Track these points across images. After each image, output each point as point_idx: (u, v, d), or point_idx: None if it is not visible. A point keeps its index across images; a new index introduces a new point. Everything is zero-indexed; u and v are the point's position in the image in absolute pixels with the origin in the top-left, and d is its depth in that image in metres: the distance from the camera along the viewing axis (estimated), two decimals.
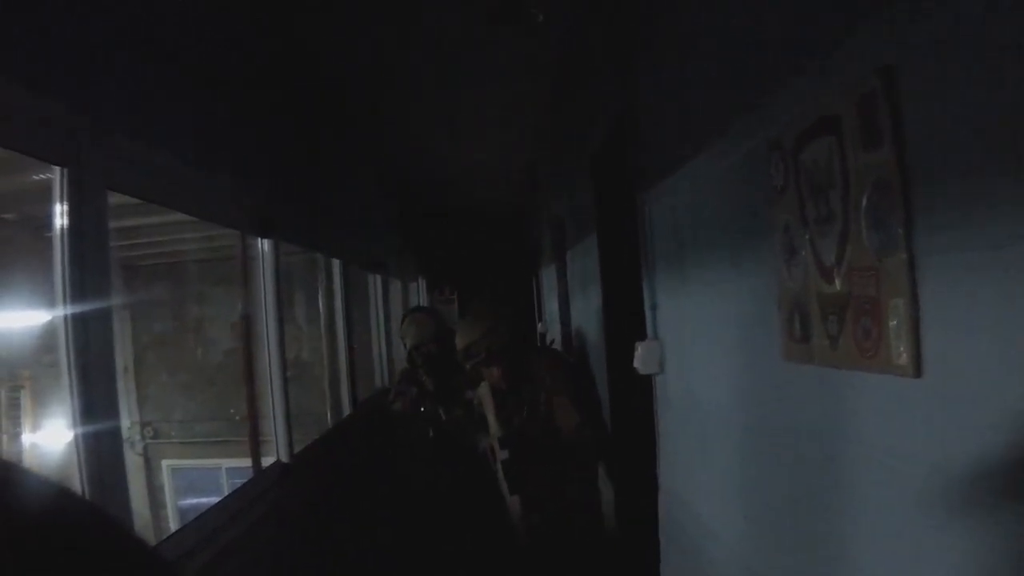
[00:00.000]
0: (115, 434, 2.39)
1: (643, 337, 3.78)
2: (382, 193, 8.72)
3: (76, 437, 2.17)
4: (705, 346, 2.95)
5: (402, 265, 10.16)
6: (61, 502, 0.55)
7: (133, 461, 10.58)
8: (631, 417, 4.28)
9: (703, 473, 3.16)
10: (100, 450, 2.24)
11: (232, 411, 8.84)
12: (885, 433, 1.62)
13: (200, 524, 3.11)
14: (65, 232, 2.21)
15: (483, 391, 5.01)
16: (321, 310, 6.45)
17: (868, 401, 1.66)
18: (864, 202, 1.56)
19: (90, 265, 2.27)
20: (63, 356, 2.20)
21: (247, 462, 4.31)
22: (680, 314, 3.34)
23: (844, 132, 1.64)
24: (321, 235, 5.37)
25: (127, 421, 10.48)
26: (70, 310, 2.19)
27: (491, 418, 4.89)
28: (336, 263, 6.05)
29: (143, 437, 10.76)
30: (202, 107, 3.22)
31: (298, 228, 4.62)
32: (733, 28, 2.39)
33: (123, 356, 10.37)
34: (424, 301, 12.47)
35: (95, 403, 2.23)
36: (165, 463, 11.03)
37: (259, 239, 4.04)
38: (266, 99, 4.17)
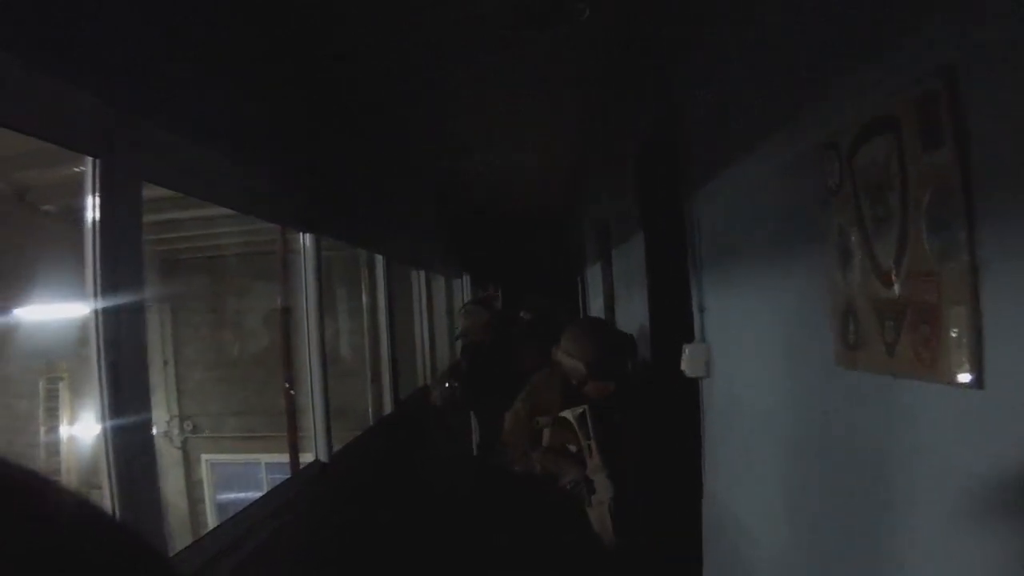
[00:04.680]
0: (146, 431, 2.35)
1: (690, 339, 3.72)
2: (427, 191, 8.71)
3: (105, 435, 2.14)
4: (754, 350, 2.88)
5: (446, 262, 10.14)
6: (72, 509, 0.55)
7: (172, 455, 10.67)
8: (677, 420, 4.21)
9: (748, 478, 3.10)
10: (130, 448, 2.20)
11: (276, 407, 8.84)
12: (941, 446, 1.55)
13: (236, 522, 3.09)
14: (97, 224, 2.17)
15: (569, 415, 4.21)
16: (364, 306, 6.44)
17: (925, 412, 1.60)
18: (924, 204, 1.50)
19: (122, 258, 2.23)
20: (93, 352, 2.17)
21: (287, 458, 4.28)
22: (728, 317, 3.28)
23: (903, 132, 1.57)
24: (364, 231, 5.35)
25: (166, 415, 10.56)
26: (101, 304, 2.15)
27: (590, 445, 4.13)
28: (379, 259, 6.02)
29: (182, 431, 10.82)
30: (242, 103, 3.20)
31: (340, 224, 4.60)
32: (784, 26, 2.32)
33: (163, 350, 10.48)
34: (468, 298, 12.47)
35: (126, 400, 2.20)
36: (204, 457, 11.09)
37: (300, 234, 4.01)
38: (309, 99, 4.16)
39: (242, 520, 3.13)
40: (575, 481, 4.12)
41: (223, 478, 11.00)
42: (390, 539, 5.17)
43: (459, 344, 7.11)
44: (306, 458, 4.24)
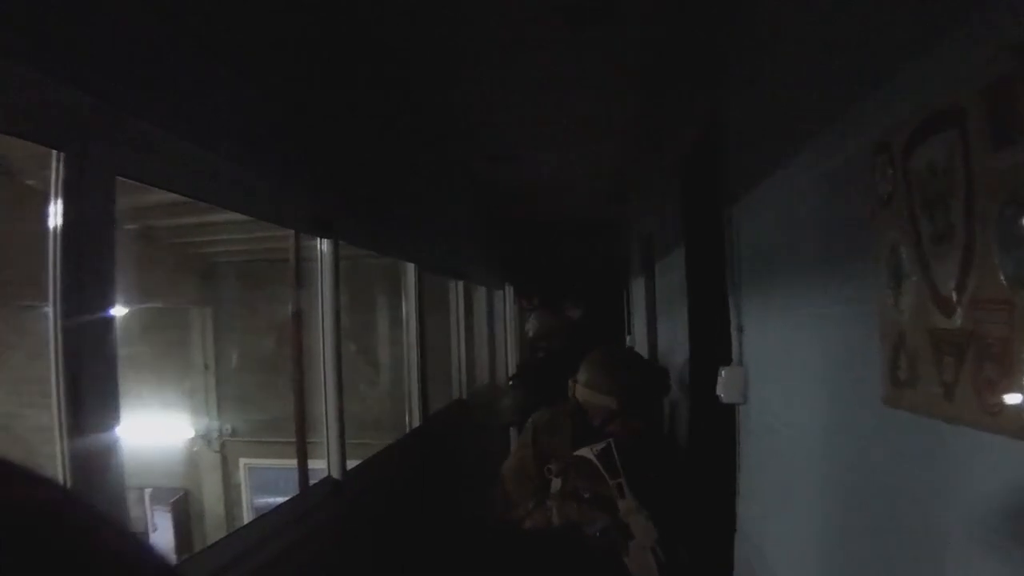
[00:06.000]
0: (112, 455, 2.10)
1: (727, 362, 3.47)
2: (467, 197, 8.51)
3: (61, 458, 1.91)
4: (794, 377, 2.62)
5: (487, 272, 9.93)
6: (45, 495, 0.55)
7: (210, 458, 10.75)
8: (711, 449, 3.94)
9: (782, 516, 2.85)
10: (91, 475, 1.97)
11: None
12: (1006, 512, 1.30)
13: (232, 543, 2.87)
14: (60, 225, 1.93)
15: (589, 453, 3.64)
16: (404, 315, 6.24)
17: (988, 468, 1.33)
18: (995, 215, 1.23)
19: (90, 262, 2.00)
20: (52, 371, 1.94)
21: (322, 463, 4.02)
22: (768, 339, 3.03)
23: (969, 128, 1.31)
24: (391, 237, 5.10)
25: (205, 418, 10.59)
26: (61, 321, 1.92)
27: (619, 485, 3.53)
28: (411, 268, 5.79)
29: (220, 434, 10.83)
30: (246, 92, 2.92)
31: (363, 229, 4.35)
32: (835, 14, 2.08)
33: (203, 354, 10.46)
34: (510, 310, 12.29)
35: (88, 418, 1.97)
36: (242, 461, 11.08)
37: (318, 240, 3.79)
38: (332, 96, 3.90)
39: (240, 540, 2.91)
40: (605, 528, 3.54)
41: (261, 482, 10.97)
42: (410, 568, 4.83)
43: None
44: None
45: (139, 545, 0.61)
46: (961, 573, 1.45)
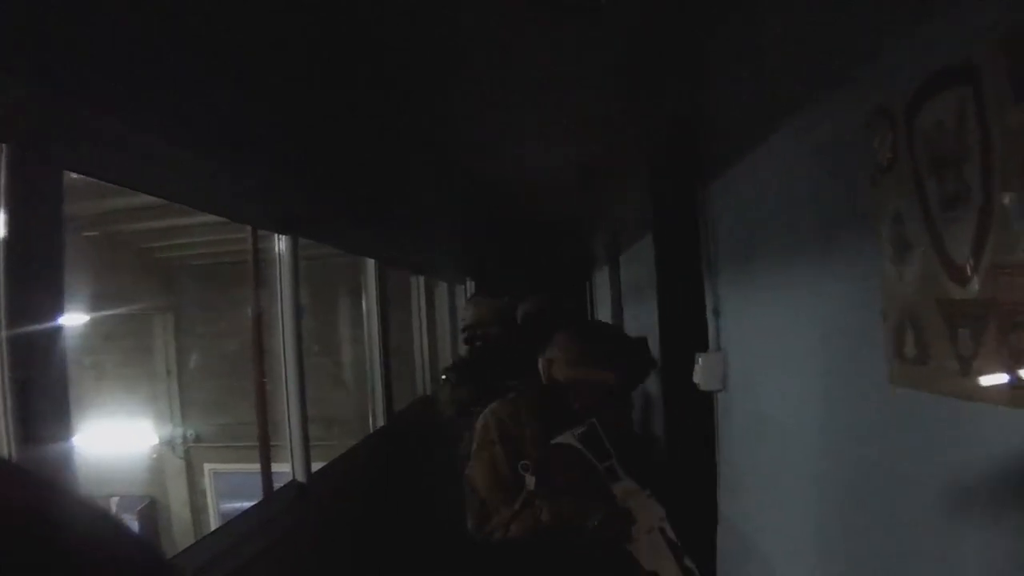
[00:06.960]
0: (65, 464, 1.98)
1: (704, 348, 3.38)
2: (429, 192, 8.40)
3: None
4: (780, 361, 2.54)
5: (449, 267, 9.82)
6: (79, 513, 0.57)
7: (174, 464, 10.70)
8: (689, 438, 3.84)
9: (774, 509, 2.76)
10: None
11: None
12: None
13: (197, 552, 2.77)
14: (4, 222, 1.80)
15: (572, 439, 3.13)
16: (364, 310, 6.13)
17: (1012, 451, 1.24)
18: (1014, 174, 1.13)
19: (37, 262, 1.88)
20: None
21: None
22: (749, 322, 2.95)
23: (984, 84, 1.22)
24: (352, 233, 4.97)
25: (169, 424, 10.53)
26: (6, 328, 1.79)
27: (610, 467, 3.04)
28: (371, 264, 5.68)
29: (185, 440, 10.73)
30: (200, 78, 2.75)
31: (323, 225, 4.22)
32: None
33: (165, 359, 10.36)
34: None
35: (39, 426, 1.86)
36: (207, 467, 10.99)
37: (275, 236, 3.67)
38: (295, 93, 3.74)
39: (204, 549, 2.80)
40: (603, 518, 3.04)
41: (228, 487, 10.88)
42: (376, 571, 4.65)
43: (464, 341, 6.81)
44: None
45: (137, 541, 0.63)
46: (974, 567, 1.38)
